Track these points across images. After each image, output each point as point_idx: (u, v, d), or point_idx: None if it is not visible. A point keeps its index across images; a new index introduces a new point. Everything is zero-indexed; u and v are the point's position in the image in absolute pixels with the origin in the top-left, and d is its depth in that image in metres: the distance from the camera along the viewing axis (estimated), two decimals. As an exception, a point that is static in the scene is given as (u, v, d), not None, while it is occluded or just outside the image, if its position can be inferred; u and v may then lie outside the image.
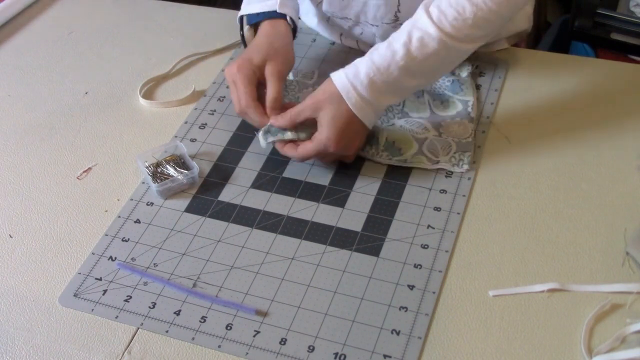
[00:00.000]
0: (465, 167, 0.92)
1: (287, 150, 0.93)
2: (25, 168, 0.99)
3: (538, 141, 0.96)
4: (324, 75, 0.99)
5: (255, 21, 1.02)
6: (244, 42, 1.05)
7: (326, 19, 1.12)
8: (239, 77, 0.94)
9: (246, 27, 1.03)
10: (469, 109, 0.99)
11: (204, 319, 0.79)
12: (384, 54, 0.88)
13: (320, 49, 1.14)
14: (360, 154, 0.94)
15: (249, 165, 0.96)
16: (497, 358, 0.73)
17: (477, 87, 1.05)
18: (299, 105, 0.91)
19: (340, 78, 0.89)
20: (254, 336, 0.77)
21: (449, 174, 0.92)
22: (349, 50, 1.13)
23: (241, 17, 1.04)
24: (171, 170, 0.94)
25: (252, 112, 0.94)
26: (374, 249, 0.84)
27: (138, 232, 0.88)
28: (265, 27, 1.01)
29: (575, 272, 0.80)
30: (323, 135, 0.89)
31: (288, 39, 1.00)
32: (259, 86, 0.96)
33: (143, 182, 0.95)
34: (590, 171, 0.92)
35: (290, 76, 1.07)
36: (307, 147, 0.91)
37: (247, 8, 1.03)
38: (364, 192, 0.91)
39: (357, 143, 0.93)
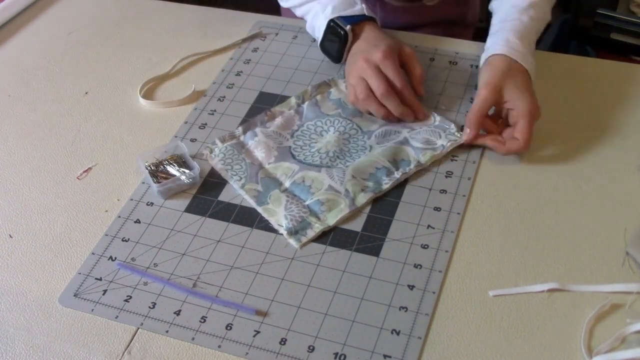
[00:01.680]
0: (460, 134, 0.94)
1: (509, 148, 0.92)
2: (25, 168, 0.99)
3: (538, 141, 0.96)
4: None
5: (353, 22, 1.04)
6: (342, 42, 1.04)
7: None
8: (387, 63, 0.97)
9: (348, 27, 1.03)
10: (447, 126, 0.97)
11: (204, 319, 0.79)
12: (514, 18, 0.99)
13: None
14: (383, 188, 0.90)
15: (249, 165, 0.96)
16: (497, 358, 0.73)
17: (472, 99, 1.01)
18: (476, 100, 0.94)
19: (497, 52, 0.96)
20: (254, 336, 0.77)
21: (449, 174, 0.92)
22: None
23: (329, 22, 1.05)
24: (172, 170, 0.94)
25: (408, 93, 0.98)
26: (374, 249, 0.84)
27: (138, 232, 0.88)
28: (370, 25, 1.05)
29: (575, 272, 0.80)
30: (525, 105, 0.91)
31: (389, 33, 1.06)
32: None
33: (143, 182, 0.95)
34: (590, 171, 0.92)
35: (218, 144, 0.98)
36: (524, 128, 0.91)
37: (334, 14, 1.05)
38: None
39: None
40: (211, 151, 0.97)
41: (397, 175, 0.91)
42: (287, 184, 0.92)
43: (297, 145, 0.97)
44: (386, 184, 0.90)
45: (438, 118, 0.98)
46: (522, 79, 0.94)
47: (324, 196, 0.89)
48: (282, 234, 0.86)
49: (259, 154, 0.96)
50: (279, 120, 1.01)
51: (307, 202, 0.89)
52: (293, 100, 1.03)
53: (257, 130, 0.99)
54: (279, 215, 0.88)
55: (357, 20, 1.04)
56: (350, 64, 1.02)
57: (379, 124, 0.99)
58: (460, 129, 0.96)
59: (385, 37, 1.02)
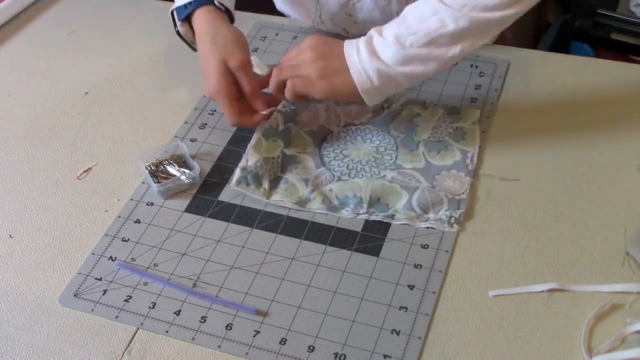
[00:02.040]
0: (456, 227, 0.85)
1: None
2: (25, 168, 0.99)
3: (538, 141, 0.96)
4: None
5: (185, 15, 0.97)
6: (182, 39, 1.01)
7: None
8: (221, 98, 0.93)
9: (179, 24, 0.99)
10: (468, 161, 0.92)
11: (204, 319, 0.79)
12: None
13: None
14: (343, 214, 0.88)
15: (249, 165, 0.96)
16: (497, 358, 0.73)
17: (473, 99, 1.01)
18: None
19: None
20: (254, 336, 0.77)
21: (449, 174, 0.92)
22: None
23: (172, 13, 1.00)
24: (172, 170, 0.94)
25: (244, 123, 0.94)
26: (374, 249, 0.84)
27: (138, 232, 0.88)
28: (198, 21, 0.96)
29: (575, 272, 0.80)
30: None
31: (225, 24, 0.96)
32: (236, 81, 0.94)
33: (143, 182, 0.95)
34: (590, 171, 0.92)
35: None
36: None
37: (176, 1, 0.99)
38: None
39: (340, 84, 0.88)
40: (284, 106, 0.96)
41: (361, 211, 0.87)
42: (290, 151, 0.94)
43: (337, 137, 0.96)
44: (346, 212, 0.88)
45: (464, 195, 0.88)
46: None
47: (293, 179, 0.91)
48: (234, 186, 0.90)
49: (305, 115, 0.98)
50: (353, 106, 0.99)
51: (280, 174, 0.92)
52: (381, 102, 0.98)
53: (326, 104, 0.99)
54: (257, 155, 0.91)
55: (189, 11, 0.97)
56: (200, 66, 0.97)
57: (414, 165, 0.92)
58: (456, 221, 0.86)
59: (207, 47, 0.94)
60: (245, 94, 0.94)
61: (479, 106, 1.00)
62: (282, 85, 0.92)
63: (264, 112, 0.94)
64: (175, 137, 1.01)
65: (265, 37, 1.18)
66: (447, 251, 0.83)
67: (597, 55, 1.66)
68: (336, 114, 0.99)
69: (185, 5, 0.97)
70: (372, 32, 0.88)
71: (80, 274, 0.84)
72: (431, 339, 0.75)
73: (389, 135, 0.97)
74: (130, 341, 0.78)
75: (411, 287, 0.80)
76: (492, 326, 0.76)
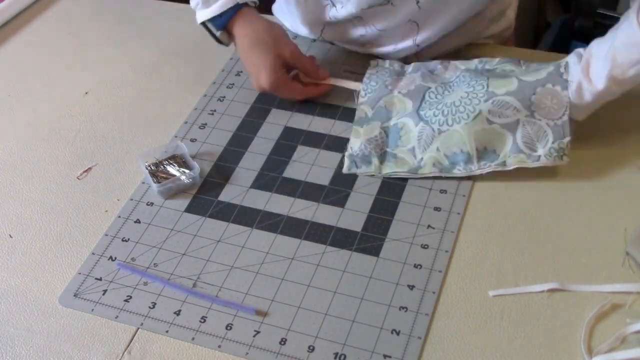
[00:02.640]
0: (566, 159, 0.87)
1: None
2: (25, 168, 0.99)
3: (538, 141, 0.96)
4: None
5: (223, 24, 1.01)
6: (221, 42, 1.04)
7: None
8: (280, 88, 1.00)
9: (219, 33, 1.02)
10: (562, 70, 0.89)
11: (204, 319, 0.79)
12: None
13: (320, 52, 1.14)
14: (456, 173, 0.89)
15: (249, 165, 0.96)
16: (497, 358, 0.73)
17: None
18: None
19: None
20: (254, 336, 0.77)
21: (450, 174, 0.92)
22: (333, 47, 1.13)
23: (203, 24, 1.02)
24: (172, 170, 0.94)
25: (311, 94, 1.03)
26: (374, 249, 0.84)
27: (138, 232, 0.88)
28: (238, 27, 1.01)
29: (575, 272, 0.80)
30: None
31: (263, 21, 1.02)
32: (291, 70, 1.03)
33: (143, 182, 0.95)
34: (590, 171, 0.92)
35: (386, 64, 1.04)
36: None
37: (204, 13, 1.01)
38: (364, 192, 0.91)
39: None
40: (376, 65, 1.03)
41: (474, 168, 0.89)
42: (392, 122, 0.96)
43: (436, 92, 0.95)
44: (458, 171, 0.90)
45: (565, 117, 0.88)
46: None
47: (401, 154, 0.93)
48: (343, 160, 0.94)
49: (403, 82, 0.99)
50: (449, 73, 0.99)
51: (386, 148, 0.94)
52: (474, 63, 0.99)
53: (423, 70, 1.01)
54: (358, 140, 0.95)
55: (226, 21, 1.00)
56: (246, 67, 1.03)
57: (507, 89, 0.89)
58: (564, 152, 0.87)
59: (257, 48, 0.99)
60: (308, 72, 1.03)
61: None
62: None
63: (329, 83, 1.03)
64: (175, 137, 1.01)
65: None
66: (447, 251, 0.83)
67: (597, 55, 1.65)
68: (432, 79, 0.98)
69: (220, 15, 1.00)
70: (579, 75, 0.88)
71: (80, 274, 0.84)
72: (431, 339, 0.75)
73: (481, 75, 0.94)
74: (130, 341, 0.78)
75: (411, 287, 0.80)
76: (492, 326, 0.76)
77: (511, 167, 0.88)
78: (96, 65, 1.16)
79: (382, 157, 0.94)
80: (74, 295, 0.82)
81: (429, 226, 0.86)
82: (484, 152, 0.89)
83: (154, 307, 0.80)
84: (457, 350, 0.74)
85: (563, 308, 0.77)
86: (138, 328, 0.79)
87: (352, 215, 0.88)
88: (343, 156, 0.95)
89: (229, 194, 0.92)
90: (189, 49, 1.17)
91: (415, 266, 0.82)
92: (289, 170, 0.95)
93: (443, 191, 0.90)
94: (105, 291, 0.82)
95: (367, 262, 0.83)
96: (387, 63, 1.04)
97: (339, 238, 0.86)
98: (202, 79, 1.11)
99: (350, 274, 0.82)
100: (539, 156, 0.88)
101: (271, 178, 0.94)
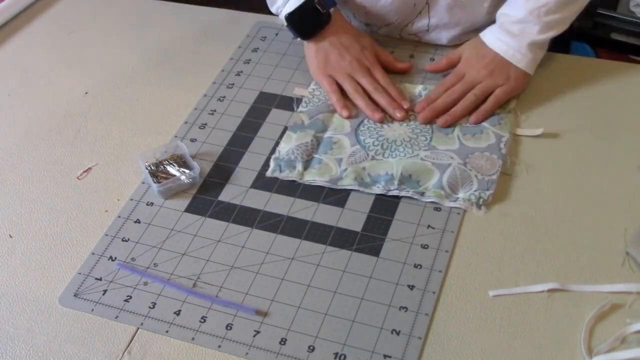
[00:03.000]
0: (484, 209, 0.87)
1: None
2: (25, 168, 0.99)
3: (537, 141, 0.96)
4: None
5: (332, 5, 1.06)
6: (320, 23, 1.06)
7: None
8: (374, 67, 1.04)
9: (332, 10, 1.06)
10: (502, 145, 0.93)
11: (204, 319, 0.79)
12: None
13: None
14: (374, 189, 0.90)
15: (249, 165, 0.96)
16: (497, 358, 0.73)
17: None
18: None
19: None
20: (254, 336, 0.77)
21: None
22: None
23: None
24: (172, 170, 0.94)
25: (396, 69, 1.07)
26: (374, 249, 0.84)
27: (138, 232, 0.88)
28: (338, 13, 1.07)
29: (575, 272, 0.80)
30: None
31: (341, 16, 1.09)
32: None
33: (143, 182, 0.95)
34: (590, 171, 0.92)
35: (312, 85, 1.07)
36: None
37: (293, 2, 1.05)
38: (364, 192, 0.91)
39: (514, 75, 1.01)
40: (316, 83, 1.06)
41: (392, 188, 0.89)
42: (326, 134, 0.98)
43: (375, 122, 0.99)
44: (377, 188, 0.90)
45: (494, 176, 0.90)
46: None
47: (327, 159, 0.94)
48: (268, 168, 0.95)
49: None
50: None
51: (314, 155, 0.95)
52: (419, 89, 1.04)
53: None
54: (288, 145, 0.96)
55: (333, 4, 1.06)
56: (320, 55, 1.05)
57: (448, 147, 0.94)
58: (484, 202, 0.88)
59: (349, 35, 1.06)
60: (387, 62, 1.07)
61: (516, 95, 1.02)
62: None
63: (405, 66, 1.07)
64: (175, 137, 1.01)
65: (265, 37, 1.18)
66: (447, 251, 0.83)
67: (597, 55, 1.65)
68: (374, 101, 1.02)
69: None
70: (501, 18, 1.01)
71: (80, 274, 0.84)
72: (431, 339, 0.75)
73: (428, 126, 0.99)
74: (130, 341, 0.78)
75: (411, 287, 0.80)
76: (492, 326, 0.76)
77: (427, 199, 0.88)
78: (96, 65, 1.16)
79: (307, 163, 0.94)
80: (74, 295, 0.82)
81: (429, 226, 0.86)
82: (407, 179, 0.90)
83: (154, 307, 0.80)
84: (457, 350, 0.74)
85: (563, 308, 0.77)
86: (138, 328, 0.79)
87: (352, 215, 0.88)
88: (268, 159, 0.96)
89: (229, 194, 0.92)
90: (189, 49, 1.17)
91: (415, 266, 0.82)
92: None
93: (443, 191, 0.90)
94: (105, 291, 0.82)
95: (367, 262, 0.83)
96: None
97: (339, 238, 0.86)
98: (202, 79, 1.11)
99: (350, 274, 0.82)
100: (457, 198, 0.88)
101: (271, 178, 0.94)
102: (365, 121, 0.99)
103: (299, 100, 1.04)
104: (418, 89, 1.04)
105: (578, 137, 0.96)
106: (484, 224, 0.86)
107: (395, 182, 0.90)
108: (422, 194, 0.89)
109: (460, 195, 0.89)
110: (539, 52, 1.02)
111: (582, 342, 0.73)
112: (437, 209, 0.88)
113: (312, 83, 1.06)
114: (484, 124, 0.97)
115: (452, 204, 0.88)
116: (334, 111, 1.01)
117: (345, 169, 0.92)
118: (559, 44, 1.07)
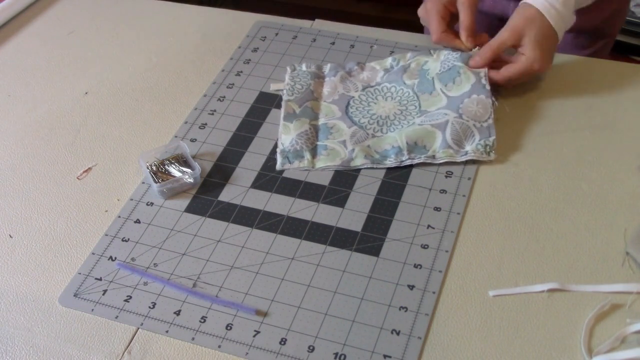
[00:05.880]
0: (493, 155, 0.92)
1: (491, 76, 0.98)
2: (25, 168, 0.99)
3: (538, 141, 0.96)
4: (334, 67, 1.08)
5: None
6: None
7: None
8: (432, 13, 1.03)
9: None
10: (483, 81, 0.97)
11: (204, 319, 0.79)
12: None
13: (320, 50, 1.14)
14: (387, 164, 0.93)
15: (249, 165, 0.96)
16: (497, 358, 0.73)
17: None
18: (496, 38, 0.99)
19: (530, 2, 0.97)
20: (254, 336, 0.77)
21: (449, 174, 0.92)
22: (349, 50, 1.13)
23: None
24: (173, 170, 0.94)
25: (445, 42, 1.04)
26: (374, 249, 0.84)
27: (138, 232, 0.88)
28: None
29: (575, 272, 0.80)
30: (531, 56, 0.97)
31: None
32: (453, 18, 1.05)
33: (143, 182, 0.95)
34: (590, 171, 0.92)
35: (303, 67, 1.08)
36: (512, 68, 0.97)
37: None
38: (364, 192, 0.91)
39: (553, 56, 1.00)
40: (293, 69, 1.08)
41: (404, 158, 0.93)
42: (320, 121, 1.00)
43: (359, 100, 1.02)
44: (389, 162, 0.93)
45: (490, 120, 0.95)
46: (543, 33, 0.97)
47: (332, 144, 0.96)
48: (275, 157, 0.96)
49: (325, 89, 1.04)
50: (365, 73, 1.06)
51: (317, 142, 0.97)
52: (389, 61, 1.07)
53: (340, 72, 1.06)
54: (289, 136, 0.97)
55: None
56: None
57: (438, 106, 0.98)
58: (491, 149, 0.93)
59: None
60: (461, 26, 1.03)
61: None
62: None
63: (468, 45, 1.03)
64: (175, 137, 1.01)
65: (265, 37, 1.18)
66: (447, 251, 0.83)
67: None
68: (352, 82, 1.06)
69: None
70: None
71: (80, 274, 0.84)
72: (431, 339, 0.75)
73: (405, 86, 1.03)
74: (130, 341, 0.78)
75: (411, 287, 0.80)
76: (492, 326, 0.76)
77: (440, 161, 0.93)
78: (96, 65, 1.16)
79: (314, 151, 0.96)
80: (74, 295, 0.82)
81: (429, 226, 0.86)
82: (414, 147, 0.94)
83: (154, 307, 0.80)
84: (457, 350, 0.74)
85: (563, 308, 0.77)
86: (138, 328, 0.79)
87: (352, 215, 0.88)
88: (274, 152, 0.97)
89: (229, 194, 0.92)
90: (188, 49, 1.17)
91: (415, 266, 0.82)
92: (289, 170, 0.95)
93: (443, 191, 0.90)
94: (105, 291, 0.82)
95: (367, 262, 0.83)
96: (304, 66, 1.09)
97: (339, 238, 0.86)
98: (202, 79, 1.11)
99: (350, 274, 0.82)
100: (467, 151, 0.93)
101: (271, 178, 0.94)
102: (351, 102, 1.02)
103: (282, 91, 1.06)
104: (388, 62, 1.07)
105: (578, 137, 0.96)
106: (484, 224, 0.86)
107: (405, 153, 0.93)
108: (433, 156, 0.93)
109: (468, 148, 0.93)
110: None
111: (582, 342, 0.73)
112: (437, 209, 0.88)
113: (286, 75, 1.07)
114: (456, 63, 1.00)
115: (463, 158, 0.92)
116: (317, 98, 1.03)
117: (353, 150, 0.94)
118: (559, 44, 1.07)
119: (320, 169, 0.94)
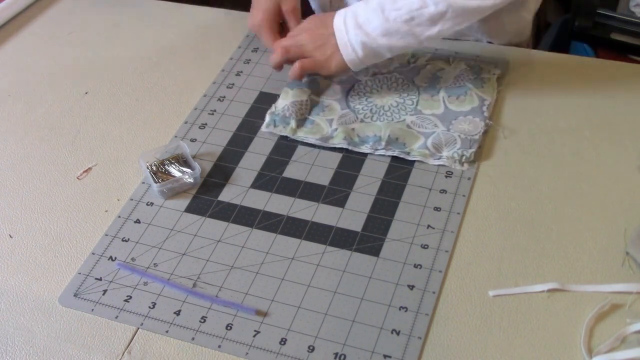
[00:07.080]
0: (466, 166, 0.92)
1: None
2: (25, 168, 0.99)
3: (538, 141, 0.96)
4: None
5: None
6: None
7: None
8: (262, 27, 1.06)
9: None
10: (484, 108, 0.98)
11: (204, 319, 0.79)
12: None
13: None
14: (363, 149, 0.95)
15: (249, 165, 0.96)
16: (497, 358, 0.73)
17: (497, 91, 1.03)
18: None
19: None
20: (254, 336, 0.77)
21: (449, 174, 0.92)
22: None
23: None
24: (173, 170, 0.94)
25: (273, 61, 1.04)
26: (374, 249, 0.84)
27: (138, 232, 0.88)
28: None
29: (575, 272, 0.80)
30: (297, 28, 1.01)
31: None
32: (283, 25, 1.08)
33: (143, 182, 0.95)
34: (590, 171, 0.92)
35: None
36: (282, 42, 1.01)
37: None
38: (364, 192, 0.91)
39: (333, 58, 0.97)
40: None
41: (379, 147, 0.94)
42: (320, 98, 1.03)
43: (364, 85, 1.04)
44: (365, 147, 0.95)
45: (477, 136, 0.95)
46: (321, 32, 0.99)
47: (319, 120, 0.99)
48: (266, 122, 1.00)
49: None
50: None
51: (308, 116, 1.00)
52: (407, 57, 1.08)
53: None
54: (284, 101, 1.00)
55: None
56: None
57: (433, 111, 0.99)
58: (467, 159, 0.93)
59: None
60: (291, 30, 1.05)
61: (499, 65, 1.06)
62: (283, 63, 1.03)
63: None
64: (175, 137, 1.01)
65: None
66: (447, 251, 0.83)
67: (597, 55, 1.65)
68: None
69: None
70: (359, 2, 0.96)
71: (80, 274, 0.84)
72: (431, 339, 0.75)
73: (413, 85, 1.04)
74: (130, 341, 0.78)
75: (411, 287, 0.80)
76: (492, 326, 0.76)
77: (413, 158, 0.94)
78: (96, 65, 1.16)
79: (301, 122, 0.99)
80: (74, 295, 0.82)
81: (429, 226, 0.86)
82: (393, 141, 0.95)
83: (154, 307, 0.80)
84: (457, 350, 0.74)
85: (563, 308, 0.77)
86: (138, 328, 0.79)
87: (352, 215, 0.88)
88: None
89: (229, 194, 0.92)
90: (188, 49, 1.17)
91: (415, 266, 0.82)
92: (288, 170, 0.95)
93: (443, 191, 0.90)
94: (105, 291, 0.82)
95: (367, 262, 0.83)
96: None
97: (339, 238, 0.86)
98: (202, 79, 1.11)
99: (350, 274, 0.82)
100: (441, 156, 0.93)
101: (271, 178, 0.94)
102: (357, 85, 1.04)
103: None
104: (407, 57, 1.09)
105: (578, 137, 0.96)
106: (484, 224, 0.86)
107: (383, 143, 0.94)
108: (408, 153, 0.94)
109: (444, 153, 0.93)
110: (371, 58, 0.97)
111: (582, 342, 0.73)
112: (437, 209, 0.88)
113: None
114: (468, 84, 1.01)
115: (436, 162, 0.93)
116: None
117: (336, 129, 0.97)
118: (559, 44, 1.07)
119: (300, 138, 0.97)
